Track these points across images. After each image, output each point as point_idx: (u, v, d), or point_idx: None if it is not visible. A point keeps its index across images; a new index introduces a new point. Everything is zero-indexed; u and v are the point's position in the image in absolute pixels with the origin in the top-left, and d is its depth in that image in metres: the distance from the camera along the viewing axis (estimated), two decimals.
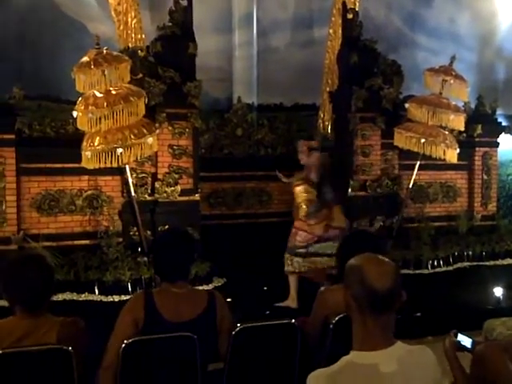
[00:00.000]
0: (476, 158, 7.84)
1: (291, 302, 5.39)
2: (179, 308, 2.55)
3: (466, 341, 2.48)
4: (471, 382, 2.15)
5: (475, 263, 7.09)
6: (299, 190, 5.57)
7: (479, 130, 7.68)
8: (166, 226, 6.16)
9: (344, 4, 7.30)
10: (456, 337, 2.49)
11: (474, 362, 2.15)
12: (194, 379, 2.53)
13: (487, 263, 7.12)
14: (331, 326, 2.74)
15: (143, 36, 7.10)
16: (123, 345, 2.38)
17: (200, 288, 4.80)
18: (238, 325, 2.58)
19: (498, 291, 5.65)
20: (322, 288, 2.95)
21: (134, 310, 2.53)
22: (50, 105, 6.67)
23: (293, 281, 5.42)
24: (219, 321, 2.63)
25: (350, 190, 7.02)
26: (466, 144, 7.44)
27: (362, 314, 1.79)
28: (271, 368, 2.71)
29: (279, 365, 2.72)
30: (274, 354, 2.69)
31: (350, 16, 7.08)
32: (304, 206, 5.49)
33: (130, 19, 6.95)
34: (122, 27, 7.03)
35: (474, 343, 2.46)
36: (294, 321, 2.70)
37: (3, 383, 2.26)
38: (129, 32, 6.99)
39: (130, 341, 2.40)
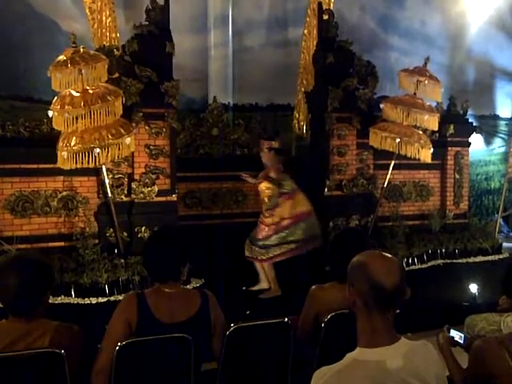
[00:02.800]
0: (448, 157, 7.96)
1: (263, 284, 5.98)
2: (172, 308, 2.53)
3: (458, 336, 2.52)
4: (469, 377, 2.18)
5: (448, 261, 7.19)
6: (261, 187, 5.94)
7: (451, 129, 7.80)
8: (143, 227, 6.12)
9: (319, 5, 7.33)
10: (449, 332, 2.53)
11: (471, 357, 2.19)
12: (188, 380, 2.51)
13: (460, 261, 7.23)
14: (323, 325, 2.76)
15: (118, 35, 7.00)
16: (117, 347, 2.35)
17: None
18: (232, 325, 2.57)
19: (474, 288, 5.76)
20: (314, 286, 2.95)
21: (126, 311, 2.49)
22: (23, 104, 6.53)
23: (259, 267, 5.96)
24: (213, 320, 2.61)
25: (326, 189, 7.05)
26: (439, 144, 7.55)
27: (368, 311, 1.80)
28: (265, 367, 2.71)
29: (273, 363, 2.72)
30: (268, 352, 2.69)
31: (325, 17, 7.11)
32: (266, 201, 5.87)
33: (104, 17, 6.84)
34: (96, 25, 6.91)
35: (465, 338, 2.50)
36: (286, 319, 2.70)
37: None
38: (103, 31, 6.88)
39: (124, 343, 2.37)
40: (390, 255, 1.88)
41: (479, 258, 7.36)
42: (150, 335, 2.42)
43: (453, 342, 2.53)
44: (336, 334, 2.70)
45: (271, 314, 3.06)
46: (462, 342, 2.52)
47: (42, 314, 2.34)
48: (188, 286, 5.75)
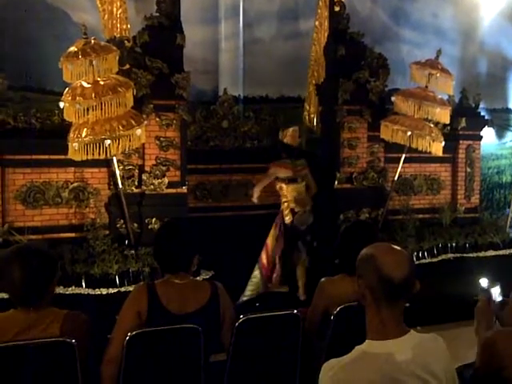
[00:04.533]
0: (460, 150, 7.91)
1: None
2: (183, 299, 2.54)
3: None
4: (479, 369, 2.18)
5: (459, 255, 7.14)
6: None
7: (463, 123, 7.74)
8: (154, 219, 6.14)
9: None
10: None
11: (482, 349, 2.18)
12: (197, 371, 2.52)
13: (470, 255, 7.18)
14: (332, 317, 2.76)
15: (128, 26, 6.99)
16: (127, 337, 2.36)
17: None
18: (241, 316, 2.58)
19: (484, 282, 5.72)
20: (323, 279, 2.95)
21: (137, 302, 2.51)
22: (34, 95, 6.55)
23: None
24: (222, 312, 2.62)
25: (336, 182, 7.04)
26: (450, 137, 7.49)
27: (378, 304, 1.80)
28: (273, 358, 2.71)
29: (281, 355, 2.73)
30: (277, 344, 2.69)
31: (337, 8, 7.07)
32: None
33: (115, 9, 6.83)
34: (106, 17, 6.90)
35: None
36: (296, 311, 2.71)
37: (5, 377, 2.22)
38: (114, 22, 6.87)
39: (134, 333, 2.38)
40: (399, 248, 1.88)
41: (490, 253, 7.30)
42: (160, 326, 2.44)
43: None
44: (345, 326, 2.70)
45: (281, 306, 3.07)
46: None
47: (49, 303, 2.36)
48: (198, 278, 5.77)
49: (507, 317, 2.38)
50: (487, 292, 2.52)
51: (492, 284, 2.58)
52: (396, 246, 1.89)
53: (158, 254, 2.69)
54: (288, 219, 5.78)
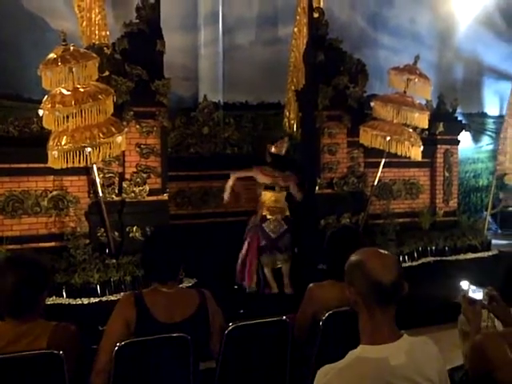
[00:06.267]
0: (438, 155, 8.00)
1: None
2: (171, 308, 2.52)
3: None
4: (469, 371, 2.20)
5: (438, 258, 7.21)
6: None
7: (441, 127, 7.84)
8: (135, 227, 6.08)
9: (310, 3, 7.33)
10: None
11: (472, 352, 2.20)
12: (187, 379, 2.50)
13: (450, 258, 7.25)
14: (321, 323, 2.76)
15: (108, 33, 6.95)
16: (116, 347, 2.33)
17: None
18: (231, 324, 2.57)
19: (465, 285, 5.78)
20: (311, 284, 2.95)
21: (124, 311, 2.48)
22: (12, 103, 6.46)
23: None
24: (211, 319, 2.60)
25: (317, 187, 7.06)
26: (428, 142, 7.57)
27: (370, 309, 1.81)
28: (263, 365, 2.70)
29: (271, 362, 2.72)
30: (266, 351, 2.69)
31: (315, 15, 7.10)
32: None
33: (93, 15, 6.78)
34: (85, 24, 6.85)
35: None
36: (285, 317, 2.70)
37: None
38: (92, 29, 6.82)
39: (123, 343, 2.35)
40: (385, 252, 1.90)
41: (469, 255, 7.38)
42: (148, 335, 2.41)
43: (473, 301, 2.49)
44: (334, 331, 2.71)
45: (265, 313, 3.06)
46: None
47: (39, 315, 2.32)
48: (181, 286, 5.73)
49: (499, 310, 2.40)
50: (468, 294, 2.55)
51: (472, 286, 2.62)
52: (383, 251, 1.91)
53: (147, 263, 2.66)
54: (256, 220, 6.14)
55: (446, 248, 7.35)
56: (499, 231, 10.30)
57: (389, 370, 1.74)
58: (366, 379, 1.73)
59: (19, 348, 2.19)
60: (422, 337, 1.93)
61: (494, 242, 8.04)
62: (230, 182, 6.22)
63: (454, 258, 7.29)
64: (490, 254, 7.55)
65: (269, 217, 6.09)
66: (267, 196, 6.11)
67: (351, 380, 1.73)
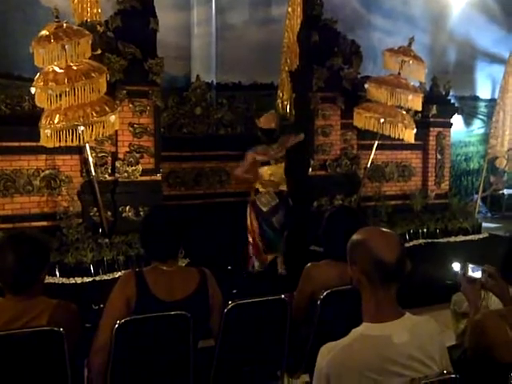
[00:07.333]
0: (430, 138, 8.01)
1: None
2: (171, 287, 2.52)
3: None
4: (469, 350, 2.22)
5: (430, 240, 7.26)
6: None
7: (434, 110, 7.84)
8: (128, 207, 6.06)
9: None
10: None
11: (472, 331, 2.22)
12: (187, 357, 2.51)
13: (441, 240, 7.31)
14: (318, 302, 2.77)
15: (99, 10, 6.83)
16: (116, 325, 2.32)
17: None
18: (230, 302, 2.57)
19: (456, 266, 5.83)
20: (309, 264, 2.95)
21: (125, 289, 2.47)
22: (1, 81, 6.36)
23: None
24: (211, 298, 2.61)
25: (310, 169, 7.05)
26: (421, 124, 7.57)
27: (373, 287, 1.82)
28: (261, 344, 2.72)
29: (269, 340, 2.74)
30: (265, 329, 2.70)
31: None
32: None
33: None
34: (76, 1, 6.74)
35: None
36: (283, 296, 2.71)
37: None
38: (84, 6, 6.70)
39: (123, 321, 2.34)
40: (388, 230, 1.90)
41: (460, 238, 7.44)
42: (149, 313, 2.41)
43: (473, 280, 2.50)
44: (331, 311, 2.72)
45: (259, 293, 3.06)
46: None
47: (39, 292, 2.32)
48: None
49: (498, 288, 2.42)
50: (463, 274, 2.56)
51: (471, 265, 2.61)
52: (385, 229, 1.92)
53: (147, 241, 2.65)
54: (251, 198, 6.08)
55: (437, 230, 7.39)
56: (489, 214, 10.40)
57: (392, 348, 1.75)
58: (370, 356, 1.74)
59: (20, 325, 2.20)
60: (425, 316, 1.94)
61: (483, 225, 8.10)
62: (246, 175, 6.14)
63: (445, 240, 7.34)
64: (481, 236, 7.61)
65: (261, 190, 5.98)
66: (263, 170, 6.00)
67: (354, 357, 1.75)
